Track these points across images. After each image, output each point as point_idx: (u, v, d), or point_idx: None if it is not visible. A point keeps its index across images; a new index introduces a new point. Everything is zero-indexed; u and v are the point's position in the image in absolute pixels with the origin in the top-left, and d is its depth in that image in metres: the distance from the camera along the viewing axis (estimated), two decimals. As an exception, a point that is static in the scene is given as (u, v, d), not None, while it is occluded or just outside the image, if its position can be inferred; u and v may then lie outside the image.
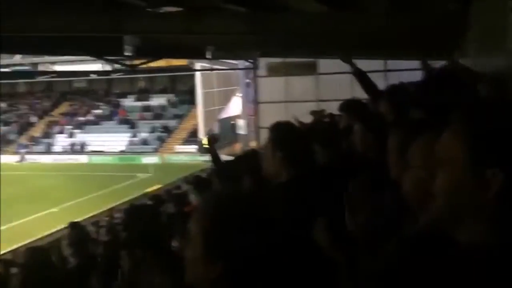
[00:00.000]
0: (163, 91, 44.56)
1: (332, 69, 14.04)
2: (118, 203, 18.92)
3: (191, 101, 38.91)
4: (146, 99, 44.18)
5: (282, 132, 2.53)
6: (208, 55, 13.22)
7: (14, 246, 13.95)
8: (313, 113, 5.49)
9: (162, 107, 42.83)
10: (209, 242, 1.16)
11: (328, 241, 1.81)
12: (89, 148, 38.69)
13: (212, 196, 1.34)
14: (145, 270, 1.75)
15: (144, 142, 38.50)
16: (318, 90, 16.02)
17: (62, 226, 7.78)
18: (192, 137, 37.34)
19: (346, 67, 4.50)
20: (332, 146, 3.27)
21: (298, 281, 1.24)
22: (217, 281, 1.14)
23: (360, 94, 4.47)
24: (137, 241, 2.08)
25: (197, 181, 4.66)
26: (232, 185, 2.53)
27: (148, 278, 1.71)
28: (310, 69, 16.32)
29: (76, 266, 2.35)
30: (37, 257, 2.16)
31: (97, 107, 44.85)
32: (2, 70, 38.35)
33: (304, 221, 1.99)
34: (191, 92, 38.27)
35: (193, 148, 35.81)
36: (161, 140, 38.45)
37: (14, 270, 4.04)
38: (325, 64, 15.67)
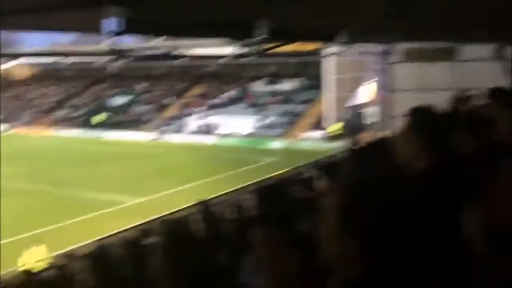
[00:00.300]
0: (292, 76, 44.83)
1: (473, 55, 13.18)
2: (244, 185, 19.37)
3: (320, 87, 38.62)
4: (275, 84, 44.78)
5: (422, 117, 2.37)
6: (341, 39, 12.93)
7: (147, 219, 14.83)
8: (454, 98, 5.17)
9: (291, 92, 43.14)
10: (346, 221, 1.17)
11: (478, 228, 1.66)
12: (219, 130, 40.07)
13: (349, 176, 1.32)
14: (276, 248, 1.76)
15: (271, 126, 39.04)
16: (456, 77, 15.10)
17: (192, 203, 8.09)
18: (319, 124, 37.18)
19: (486, 53, 4.15)
20: (476, 134, 3.02)
21: (431, 265, 1.19)
22: (353, 259, 1.16)
23: (500, 82, 4.10)
24: (267, 219, 2.09)
25: (326, 166, 4.55)
26: (367, 169, 2.41)
27: (279, 255, 1.71)
28: (449, 55, 15.42)
29: (205, 242, 2.40)
30: (174, 228, 2.24)
31: (228, 90, 46.28)
32: (144, 53, 40.90)
33: (441, 207, 1.86)
34: (321, 77, 37.96)
35: (320, 134, 35.67)
36: (288, 125, 38.74)
37: (150, 239, 4.25)
38: (465, 50, 14.75)
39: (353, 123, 29.84)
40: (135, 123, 43.90)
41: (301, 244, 1.71)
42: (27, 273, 6.09)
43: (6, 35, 70.64)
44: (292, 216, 2.48)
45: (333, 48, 25.37)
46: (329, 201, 1.23)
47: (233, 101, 44.36)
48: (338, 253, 1.18)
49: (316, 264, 1.43)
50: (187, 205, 13.76)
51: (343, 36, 12.86)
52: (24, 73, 59.26)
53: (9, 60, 53.26)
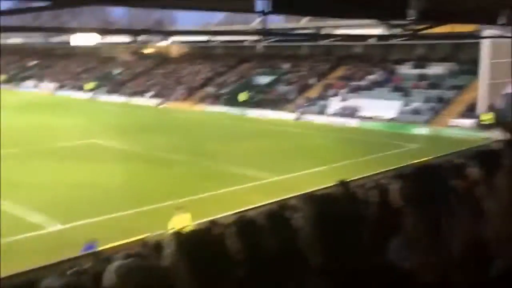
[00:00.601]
0: (442, 60, 42.49)
1: None
2: (383, 170, 18.86)
3: (474, 72, 36.15)
4: (423, 67, 42.79)
5: None
6: (501, 21, 11.92)
7: (286, 196, 15.04)
8: None
9: (440, 77, 40.96)
10: None
11: None
12: (360, 113, 39.39)
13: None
14: (429, 231, 1.74)
15: (416, 111, 37.50)
16: None
17: (330, 184, 8.06)
18: (470, 111, 34.96)
19: None
20: None
21: None
22: None
23: None
24: (416, 203, 2.02)
25: (480, 154, 4.24)
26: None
27: (432, 239, 1.69)
28: None
29: (348, 220, 2.38)
30: (319, 204, 2.25)
31: (372, 73, 45.22)
32: (290, 33, 41.32)
33: None
34: (475, 62, 35.51)
35: (470, 122, 33.54)
36: (435, 111, 36.91)
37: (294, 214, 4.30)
38: None
39: (509, 112, 27.64)
40: (278, 102, 44.66)
41: (452, 229, 1.72)
42: (179, 233, 6.46)
43: (162, 14, 75.30)
44: (442, 201, 2.37)
45: (490, 31, 23.55)
46: (500, 179, 1.27)
47: (377, 84, 43.27)
48: (508, 228, 1.22)
49: (469, 247, 1.51)
50: (327, 185, 13.77)
51: (504, 17, 11.84)
52: (178, 51, 62.93)
53: (164, 39, 56.77)
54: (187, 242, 2.44)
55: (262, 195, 17.18)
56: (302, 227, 2.28)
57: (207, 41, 54.41)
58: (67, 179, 20.69)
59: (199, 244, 2.37)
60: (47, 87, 63.89)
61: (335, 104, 41.86)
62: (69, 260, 11.11)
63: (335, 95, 43.21)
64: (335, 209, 2.25)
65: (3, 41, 73.22)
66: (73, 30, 27.82)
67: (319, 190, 14.80)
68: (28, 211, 16.46)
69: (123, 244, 12.03)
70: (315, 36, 44.62)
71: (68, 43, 56.58)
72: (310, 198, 2.40)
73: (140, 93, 55.23)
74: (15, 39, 70.47)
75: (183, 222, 13.15)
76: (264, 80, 50.44)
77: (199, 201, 17.50)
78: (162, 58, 63.31)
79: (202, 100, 49.69)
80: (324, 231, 2.13)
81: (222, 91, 50.37)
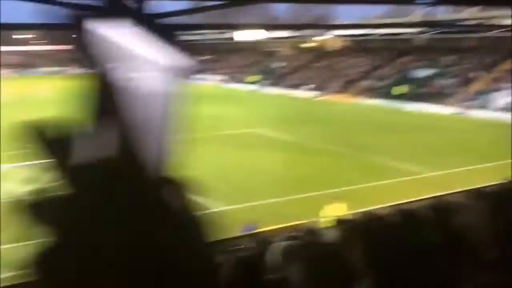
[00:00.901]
0: None
1: None
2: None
3: None
4: None
5: None
6: None
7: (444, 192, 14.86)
8: None
9: None
10: None
11: None
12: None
13: None
14: None
15: None
16: None
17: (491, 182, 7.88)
18: None
19: None
20: None
21: None
22: None
23: None
24: None
25: None
26: None
27: None
28: None
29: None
30: (494, 200, 2.39)
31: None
32: (455, 24, 39.61)
33: None
34: None
35: None
36: None
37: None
38: None
39: None
40: (437, 96, 43.23)
41: None
42: (343, 220, 6.83)
43: (322, 9, 76.16)
44: None
45: None
46: None
47: (551, 78, 39.90)
48: None
49: None
50: (495, 183, 13.40)
51: None
52: (336, 45, 63.43)
53: (324, 33, 57.61)
54: (352, 229, 2.45)
55: (417, 189, 17.11)
56: (472, 223, 2.33)
57: (367, 35, 54.16)
58: (230, 163, 22.37)
59: (367, 232, 2.35)
60: (214, 80, 68.35)
61: (501, 98, 39.42)
62: (232, 238, 12.21)
63: (502, 89, 40.67)
64: (509, 205, 2.31)
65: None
66: (242, 27, 29.85)
67: (485, 187, 14.40)
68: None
69: (281, 228, 12.85)
70: (488, 29, 42.17)
71: (233, 39, 59.86)
72: (481, 194, 2.53)
73: (300, 85, 56.74)
74: (187, 37, 76.22)
75: (339, 211, 13.20)
76: (423, 73, 48.99)
77: (353, 192, 17.88)
78: (321, 52, 64.30)
79: (359, 93, 49.74)
80: (499, 228, 2.13)
81: (380, 84, 49.93)
